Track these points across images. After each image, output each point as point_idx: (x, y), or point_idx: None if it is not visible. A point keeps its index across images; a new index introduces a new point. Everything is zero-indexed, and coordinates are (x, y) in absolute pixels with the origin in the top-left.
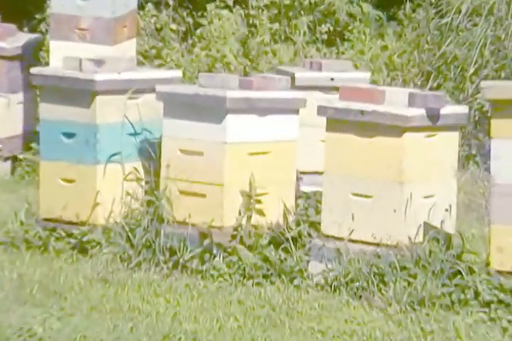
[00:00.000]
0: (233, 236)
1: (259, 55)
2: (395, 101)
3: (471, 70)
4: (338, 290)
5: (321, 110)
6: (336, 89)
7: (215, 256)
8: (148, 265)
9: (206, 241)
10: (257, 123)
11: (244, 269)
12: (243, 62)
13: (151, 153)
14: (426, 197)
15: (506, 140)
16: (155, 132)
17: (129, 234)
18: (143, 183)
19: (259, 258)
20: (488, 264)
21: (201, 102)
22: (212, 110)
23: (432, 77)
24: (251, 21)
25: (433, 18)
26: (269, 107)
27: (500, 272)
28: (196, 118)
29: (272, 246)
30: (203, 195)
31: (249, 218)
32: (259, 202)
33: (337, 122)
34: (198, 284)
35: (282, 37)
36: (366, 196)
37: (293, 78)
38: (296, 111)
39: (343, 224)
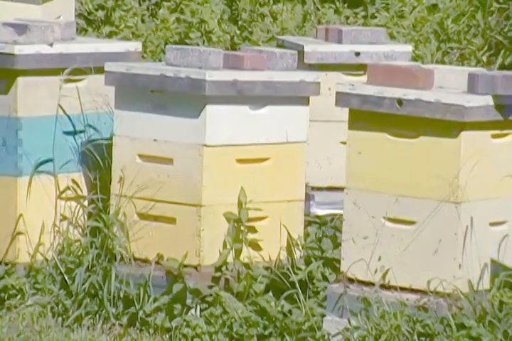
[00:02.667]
0: (215, 280)
1: (253, 19)
2: (449, 85)
3: None
4: None
5: (342, 99)
6: (363, 68)
7: (189, 308)
8: (92, 321)
9: (177, 287)
10: (250, 117)
11: (231, 326)
12: (230, 29)
13: (97, 159)
14: (494, 223)
15: None
16: (103, 130)
17: (65, 277)
18: (85, 203)
19: (252, 310)
20: None
21: (169, 87)
22: (186, 99)
23: (503, 51)
24: None
25: None
26: (267, 95)
27: None
28: (162, 111)
29: (271, 293)
30: (173, 220)
31: (238, 253)
32: (252, 230)
33: (364, 116)
34: None
35: None
36: (406, 222)
37: (301, 53)
38: (306, 101)
39: (373, 263)
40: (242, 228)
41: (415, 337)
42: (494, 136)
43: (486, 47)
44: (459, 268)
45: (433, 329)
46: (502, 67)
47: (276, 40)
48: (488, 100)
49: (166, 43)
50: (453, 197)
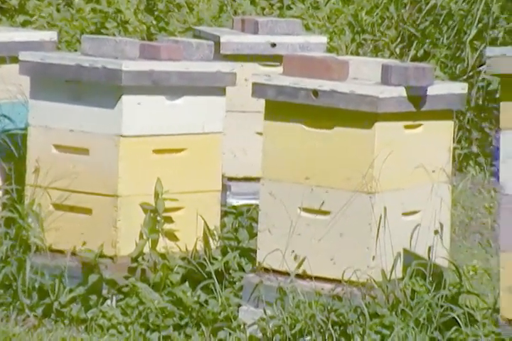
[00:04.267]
0: (131, 270)
1: (170, 10)
2: (363, 76)
3: (473, 33)
4: None
5: (258, 89)
6: (279, 59)
7: (105, 299)
8: (6, 312)
9: (92, 277)
10: (167, 108)
11: (147, 317)
12: (146, 20)
13: (11, 150)
14: (406, 213)
15: None
16: (18, 120)
17: None
18: (0, 193)
19: (168, 301)
20: (495, 311)
21: (85, 77)
22: (102, 89)
23: (415, 43)
24: None
25: None
26: (183, 85)
27: None
28: (78, 101)
29: (187, 283)
30: (89, 211)
31: (154, 244)
32: (169, 220)
33: (279, 106)
34: (80, 339)
35: None
36: (321, 212)
37: (218, 44)
38: (222, 91)
39: (289, 253)
40: (158, 218)
41: (329, 326)
42: (407, 127)
43: (399, 39)
44: (373, 257)
45: (347, 318)
46: (414, 59)
47: (193, 30)
48: (401, 91)
49: (81, 33)
50: (367, 188)
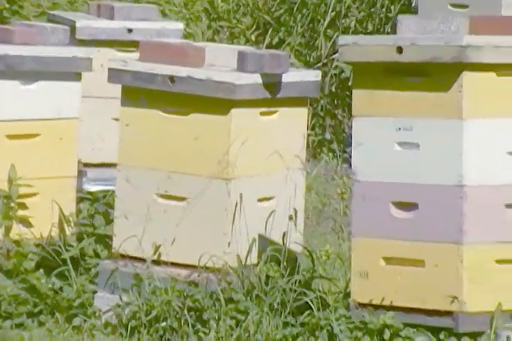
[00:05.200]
0: None
1: None
2: (219, 63)
3: (326, 21)
4: (137, 333)
5: (114, 75)
6: (136, 44)
7: None
8: None
9: None
10: (20, 93)
11: None
12: None
13: None
14: (262, 199)
15: (373, 120)
16: None
17: None
18: None
19: (22, 288)
20: (347, 295)
21: None
22: None
23: (270, 31)
24: None
25: None
26: (38, 70)
27: (364, 305)
28: None
29: (41, 270)
30: None
31: (7, 230)
32: (23, 206)
33: (136, 92)
34: None
35: None
36: (177, 198)
37: (73, 28)
38: (78, 77)
39: (145, 239)
40: (12, 205)
41: (185, 311)
42: (262, 114)
43: (254, 27)
44: (229, 243)
45: (203, 304)
46: (270, 47)
47: (47, 15)
48: (257, 78)
49: None
50: (223, 174)
